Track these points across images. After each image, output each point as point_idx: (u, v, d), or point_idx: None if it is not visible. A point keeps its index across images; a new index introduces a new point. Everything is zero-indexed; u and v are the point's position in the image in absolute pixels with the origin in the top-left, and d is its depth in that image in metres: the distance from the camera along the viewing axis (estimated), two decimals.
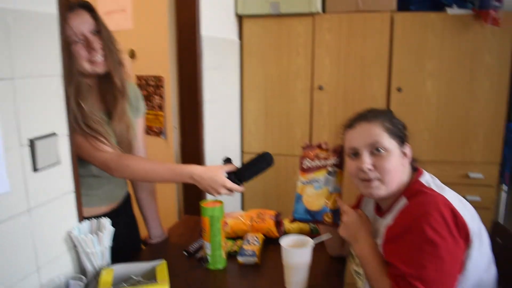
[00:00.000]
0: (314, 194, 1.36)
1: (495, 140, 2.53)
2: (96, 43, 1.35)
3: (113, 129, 1.45)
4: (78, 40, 1.33)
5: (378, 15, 2.56)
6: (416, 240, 1.06)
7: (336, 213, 1.33)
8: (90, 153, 1.37)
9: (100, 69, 1.38)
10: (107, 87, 1.45)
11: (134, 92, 1.58)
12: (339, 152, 1.36)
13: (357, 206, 1.45)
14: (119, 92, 1.45)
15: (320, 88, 2.70)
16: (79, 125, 1.34)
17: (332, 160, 1.36)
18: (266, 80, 2.80)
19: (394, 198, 1.22)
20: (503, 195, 2.70)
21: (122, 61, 1.46)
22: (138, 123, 1.59)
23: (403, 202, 1.18)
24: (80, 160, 1.36)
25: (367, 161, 1.18)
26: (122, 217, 1.60)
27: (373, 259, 1.18)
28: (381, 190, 1.19)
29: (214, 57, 2.35)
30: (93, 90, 1.44)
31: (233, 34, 2.71)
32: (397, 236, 1.12)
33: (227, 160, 1.44)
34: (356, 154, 1.22)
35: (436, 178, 1.23)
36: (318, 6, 2.57)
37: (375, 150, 1.18)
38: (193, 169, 1.38)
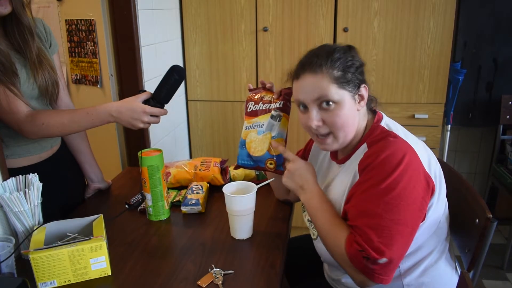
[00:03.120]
0: (257, 139, 1.30)
1: (440, 81, 2.56)
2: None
3: (34, 76, 1.32)
4: None
5: None
6: (378, 189, 1.01)
7: (279, 158, 1.28)
8: (2, 115, 1.25)
9: (4, 9, 1.22)
10: (12, 29, 1.29)
11: (42, 27, 1.43)
12: (285, 95, 1.29)
13: (306, 150, 1.41)
14: (28, 31, 1.30)
15: (265, 29, 2.60)
16: None
17: (277, 103, 1.29)
18: (208, 21, 2.65)
19: (353, 144, 1.16)
20: (447, 135, 2.78)
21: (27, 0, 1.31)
22: (55, 60, 1.45)
23: (363, 148, 1.12)
24: None
25: (314, 118, 1.10)
26: (63, 164, 1.52)
27: (322, 209, 1.12)
28: (334, 145, 1.13)
29: None
30: None
31: None
32: (361, 188, 1.06)
33: (142, 91, 1.34)
34: (304, 107, 1.13)
35: (395, 122, 1.17)
36: None
37: (324, 103, 1.08)
38: (109, 107, 1.30)
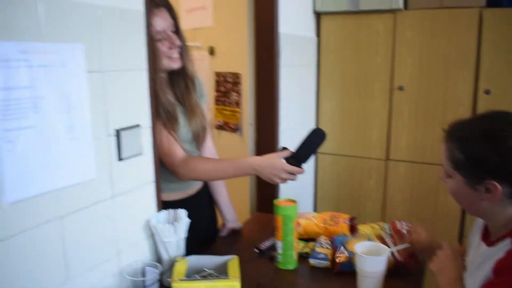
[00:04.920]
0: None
1: None
2: (177, 41, 1.41)
3: (189, 122, 1.50)
4: (161, 37, 1.38)
5: (465, 11, 2.39)
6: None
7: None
8: (162, 157, 1.43)
9: (176, 64, 1.45)
10: (178, 81, 1.51)
11: (197, 80, 1.62)
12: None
13: None
14: (191, 83, 1.51)
15: (400, 88, 2.58)
16: (159, 114, 1.40)
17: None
18: (343, 79, 2.73)
19: (500, 231, 1.06)
20: None
21: (192, 57, 1.53)
22: (205, 109, 1.63)
23: (506, 243, 1.02)
24: None
25: (442, 173, 1.12)
26: (203, 201, 1.68)
27: None
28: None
29: (291, 54, 2.33)
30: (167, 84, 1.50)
31: (311, 32, 2.68)
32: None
33: (283, 149, 1.42)
34: None
35: None
36: (399, 2, 2.46)
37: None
38: (253, 161, 1.40)
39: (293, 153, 1.40)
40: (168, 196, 1.50)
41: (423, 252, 1.30)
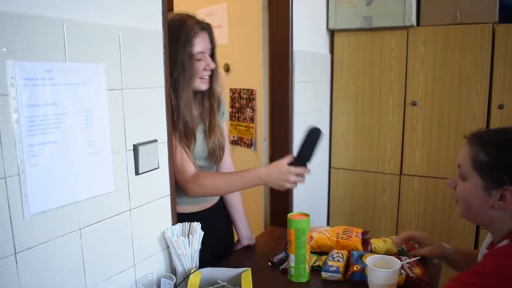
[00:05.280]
0: None
1: None
2: (212, 64, 1.49)
3: (207, 141, 1.54)
4: (199, 58, 1.46)
5: (478, 27, 2.41)
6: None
7: None
8: (175, 172, 1.45)
9: (205, 86, 1.52)
10: (203, 100, 1.56)
11: (221, 100, 1.67)
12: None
13: None
14: (216, 105, 1.57)
15: (414, 103, 2.60)
16: (178, 128, 1.45)
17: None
18: (357, 94, 2.76)
19: (503, 236, 1.08)
20: None
21: (221, 80, 1.59)
22: (224, 127, 1.68)
23: (504, 242, 1.05)
24: None
25: (451, 178, 1.16)
26: (219, 215, 1.71)
27: None
28: (462, 215, 1.16)
29: (305, 71, 2.38)
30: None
31: (325, 49, 2.72)
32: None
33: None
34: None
35: None
36: (412, 19, 2.49)
37: (459, 172, 1.12)
38: (259, 171, 1.44)
39: (295, 156, 1.43)
40: (185, 209, 1.54)
41: (433, 255, 1.30)
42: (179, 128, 1.45)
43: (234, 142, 2.55)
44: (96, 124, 1.08)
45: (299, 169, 1.41)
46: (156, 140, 1.28)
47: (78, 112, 1.03)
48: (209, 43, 1.50)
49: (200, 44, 1.45)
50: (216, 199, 1.68)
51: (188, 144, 1.48)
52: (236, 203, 1.75)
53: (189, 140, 1.47)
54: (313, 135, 1.42)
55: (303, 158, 1.42)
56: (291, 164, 1.42)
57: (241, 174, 1.46)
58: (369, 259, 1.28)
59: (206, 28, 1.49)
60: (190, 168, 1.48)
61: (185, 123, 1.46)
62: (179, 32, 1.41)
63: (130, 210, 1.22)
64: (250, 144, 2.41)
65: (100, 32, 1.08)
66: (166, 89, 1.31)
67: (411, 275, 1.35)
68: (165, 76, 1.30)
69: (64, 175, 1.01)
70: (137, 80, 1.21)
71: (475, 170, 1.06)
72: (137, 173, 1.22)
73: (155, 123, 1.29)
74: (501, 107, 2.41)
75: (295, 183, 1.42)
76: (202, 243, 1.38)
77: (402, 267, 1.36)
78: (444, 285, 1.02)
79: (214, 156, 1.59)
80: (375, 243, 1.61)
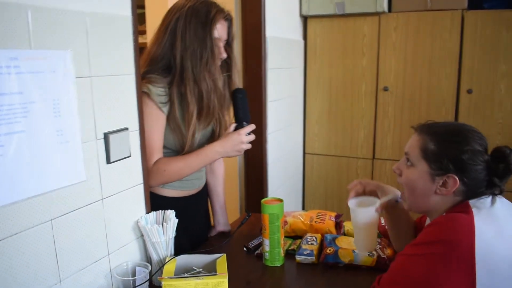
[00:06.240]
0: None
1: None
2: (223, 53, 1.50)
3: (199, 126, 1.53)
4: (221, 43, 1.48)
5: (448, 13, 2.46)
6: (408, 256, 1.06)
7: None
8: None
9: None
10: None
11: None
12: None
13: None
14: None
15: (385, 89, 2.64)
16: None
17: None
18: (330, 80, 2.78)
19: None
20: None
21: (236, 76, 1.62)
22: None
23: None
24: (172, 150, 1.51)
25: (397, 164, 1.23)
26: (203, 201, 1.73)
27: None
28: (405, 203, 1.24)
29: (278, 57, 2.38)
30: None
31: (298, 35, 2.72)
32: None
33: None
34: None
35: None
36: (384, 6, 2.52)
37: (408, 159, 1.18)
38: (214, 146, 1.46)
39: (236, 122, 1.50)
40: (170, 193, 1.54)
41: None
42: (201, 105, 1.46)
43: None
44: (65, 113, 1.06)
45: (245, 129, 1.47)
46: (127, 128, 1.27)
47: (45, 100, 1.01)
48: (226, 34, 1.51)
49: (217, 30, 1.45)
50: (202, 185, 1.68)
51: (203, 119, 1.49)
52: (219, 189, 1.77)
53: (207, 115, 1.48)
54: (239, 96, 1.49)
55: (242, 119, 1.49)
56: (236, 128, 1.48)
57: (197, 153, 1.47)
58: (351, 201, 1.34)
59: (228, 19, 1.51)
60: (154, 158, 1.44)
61: (217, 94, 1.47)
62: (206, 12, 1.43)
63: (102, 199, 1.21)
64: None
65: (66, 19, 1.05)
66: (136, 76, 1.29)
67: (382, 256, 1.39)
68: (135, 62, 1.28)
69: (32, 166, 0.99)
70: (107, 67, 1.18)
71: (423, 158, 1.13)
72: (108, 161, 1.21)
73: (126, 111, 1.27)
74: (469, 91, 2.47)
75: (249, 144, 1.49)
76: (183, 229, 1.38)
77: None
78: (393, 262, 1.11)
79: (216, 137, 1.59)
80: (348, 226, 1.65)
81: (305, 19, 2.78)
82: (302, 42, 2.77)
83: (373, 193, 1.35)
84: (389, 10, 2.61)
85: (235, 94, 1.49)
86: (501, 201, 1.10)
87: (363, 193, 1.37)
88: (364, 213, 1.29)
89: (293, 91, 2.70)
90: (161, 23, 1.47)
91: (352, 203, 1.33)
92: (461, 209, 1.07)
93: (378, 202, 1.30)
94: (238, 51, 2.25)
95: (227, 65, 1.56)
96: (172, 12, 1.45)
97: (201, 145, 1.54)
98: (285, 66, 2.52)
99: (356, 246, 1.37)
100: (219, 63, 1.49)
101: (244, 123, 1.48)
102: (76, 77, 1.09)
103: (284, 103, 2.54)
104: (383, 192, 1.32)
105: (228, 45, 1.54)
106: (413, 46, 2.57)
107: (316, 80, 2.82)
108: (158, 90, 1.41)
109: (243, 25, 2.24)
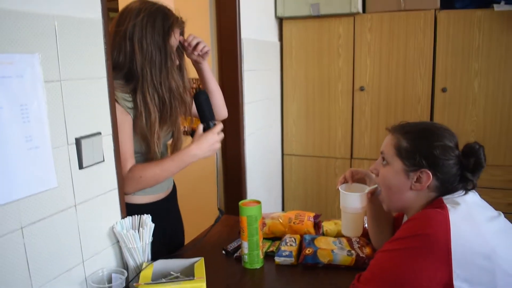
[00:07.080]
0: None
1: None
2: (176, 60, 1.52)
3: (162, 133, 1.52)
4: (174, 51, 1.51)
5: (421, 13, 2.50)
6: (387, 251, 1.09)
7: None
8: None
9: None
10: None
11: None
12: None
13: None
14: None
15: (361, 89, 2.66)
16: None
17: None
18: (306, 81, 2.79)
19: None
20: None
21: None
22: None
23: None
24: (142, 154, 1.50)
25: (374, 164, 1.27)
26: (173, 204, 1.72)
27: None
28: (383, 202, 1.26)
29: (254, 59, 2.38)
30: None
31: (273, 36, 2.73)
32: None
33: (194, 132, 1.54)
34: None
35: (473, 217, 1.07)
36: (358, 6, 2.54)
37: (384, 159, 1.22)
38: (190, 149, 1.46)
39: (203, 123, 1.51)
40: (139, 199, 1.51)
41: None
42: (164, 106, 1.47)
43: (185, 133, 2.52)
44: (34, 118, 1.03)
45: (215, 128, 1.50)
46: (100, 133, 1.24)
47: (12, 106, 0.98)
48: (178, 41, 1.54)
49: (175, 37, 1.49)
50: (171, 187, 1.66)
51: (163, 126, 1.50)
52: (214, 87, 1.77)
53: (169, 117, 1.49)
54: (204, 97, 1.51)
55: (208, 118, 1.51)
56: (204, 129, 1.50)
57: (172, 158, 1.47)
58: (341, 186, 1.38)
59: (181, 28, 1.55)
60: (129, 164, 1.43)
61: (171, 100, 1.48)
62: (163, 21, 1.45)
63: (75, 205, 1.18)
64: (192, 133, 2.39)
65: (33, 22, 1.02)
66: (108, 79, 1.26)
67: (361, 255, 1.40)
68: (107, 66, 1.26)
69: (0, 173, 0.96)
70: (77, 71, 1.16)
71: (398, 156, 1.17)
72: (81, 167, 1.18)
73: (98, 115, 1.25)
74: (444, 90, 2.51)
75: (220, 143, 1.51)
76: (157, 234, 1.36)
77: (352, 247, 1.43)
78: (372, 260, 1.14)
79: (176, 147, 1.61)
80: (327, 226, 1.65)
81: (280, 20, 2.79)
82: (278, 43, 2.78)
83: (362, 181, 1.40)
84: (364, 10, 2.63)
85: (200, 96, 1.50)
86: (474, 195, 1.14)
87: (352, 180, 1.41)
88: (353, 198, 1.33)
89: (270, 93, 2.70)
90: (116, 26, 1.44)
91: (342, 187, 1.38)
92: (436, 205, 1.10)
93: (367, 189, 1.35)
94: (213, 54, 2.24)
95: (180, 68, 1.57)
96: (127, 18, 1.43)
97: (164, 145, 1.58)
98: (262, 68, 2.52)
99: (343, 231, 1.41)
100: (176, 69, 1.51)
101: (211, 122, 1.50)
102: (45, 81, 1.06)
103: (261, 105, 2.53)
104: (371, 181, 1.37)
105: (179, 49, 1.57)
106: (388, 46, 2.60)
107: (292, 81, 2.83)
108: (124, 95, 1.42)
109: (218, 27, 2.23)
